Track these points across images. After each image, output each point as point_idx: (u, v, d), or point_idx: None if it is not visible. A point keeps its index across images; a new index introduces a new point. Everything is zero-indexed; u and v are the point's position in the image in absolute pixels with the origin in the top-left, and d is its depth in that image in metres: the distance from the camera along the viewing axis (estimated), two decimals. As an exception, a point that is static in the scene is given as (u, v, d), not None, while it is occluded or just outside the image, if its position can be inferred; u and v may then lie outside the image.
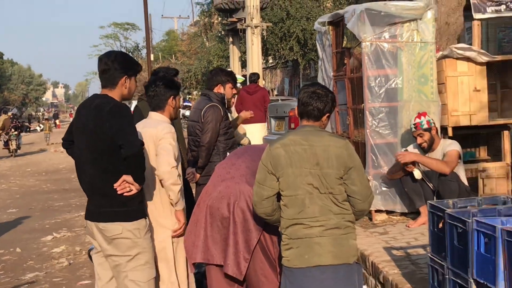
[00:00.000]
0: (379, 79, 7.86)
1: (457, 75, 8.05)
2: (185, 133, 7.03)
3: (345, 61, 8.62)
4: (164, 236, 4.88)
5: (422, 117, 7.33)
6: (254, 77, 14.21)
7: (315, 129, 4.12)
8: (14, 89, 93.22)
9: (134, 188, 4.34)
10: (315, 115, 4.15)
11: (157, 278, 4.70)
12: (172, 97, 5.14)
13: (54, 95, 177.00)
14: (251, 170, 4.58)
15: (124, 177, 4.31)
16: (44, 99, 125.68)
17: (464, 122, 8.05)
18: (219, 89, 6.68)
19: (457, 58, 8.03)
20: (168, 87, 5.15)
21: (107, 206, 4.38)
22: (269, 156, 4.10)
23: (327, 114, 4.22)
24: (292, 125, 11.20)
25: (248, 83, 14.55)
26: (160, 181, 4.77)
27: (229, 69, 7.89)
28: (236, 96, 7.43)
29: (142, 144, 4.29)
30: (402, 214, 8.03)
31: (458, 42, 9.70)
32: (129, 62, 4.54)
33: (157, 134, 4.81)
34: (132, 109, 6.55)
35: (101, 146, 4.30)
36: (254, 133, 12.58)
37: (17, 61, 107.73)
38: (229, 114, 7.00)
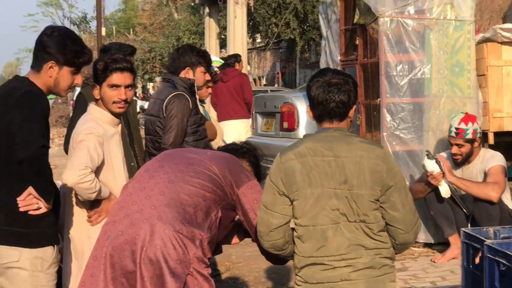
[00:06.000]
0: (400, 66, 7.86)
1: (502, 64, 8.07)
2: (142, 132, 6.93)
3: (357, 42, 8.60)
4: None
5: (470, 124, 7.31)
6: (231, 59, 14.02)
7: (341, 133, 3.98)
8: None
9: (43, 206, 4.29)
10: (340, 113, 3.99)
11: None
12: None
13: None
14: (167, 197, 4.22)
15: (30, 189, 4.27)
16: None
17: (511, 126, 8.03)
18: (187, 74, 6.57)
19: (503, 43, 8.04)
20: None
21: (5, 223, 4.32)
22: (279, 171, 3.97)
23: (354, 107, 4.08)
24: (285, 124, 11.13)
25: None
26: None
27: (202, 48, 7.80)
28: (213, 83, 7.33)
29: (45, 146, 4.21)
30: (427, 245, 8.03)
31: (504, 22, 9.67)
32: (64, 46, 4.45)
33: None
34: (74, 97, 6.47)
35: (5, 143, 4.27)
36: (234, 133, 12.46)
37: None
38: (201, 107, 6.90)
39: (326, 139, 3.93)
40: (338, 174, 3.85)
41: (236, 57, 14.14)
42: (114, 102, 4.79)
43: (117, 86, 4.77)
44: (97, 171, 4.63)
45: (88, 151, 4.55)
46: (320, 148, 3.90)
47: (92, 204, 4.63)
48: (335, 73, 4.08)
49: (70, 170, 4.46)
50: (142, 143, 6.79)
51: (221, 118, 13.51)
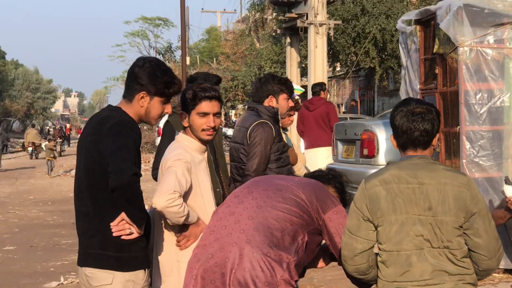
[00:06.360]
0: (480, 94, 7.80)
1: None
2: (227, 158, 6.98)
3: (436, 71, 8.55)
4: None
5: None
6: (316, 88, 14.06)
7: (425, 161, 3.99)
8: (18, 97, 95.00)
9: (135, 231, 4.37)
10: (424, 141, 4.02)
11: None
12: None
13: (65, 106, 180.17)
14: (255, 222, 4.29)
15: (123, 215, 4.34)
16: (53, 110, 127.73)
17: None
18: (270, 102, 6.61)
19: None
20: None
21: (99, 247, 4.41)
22: (364, 197, 4.00)
23: (437, 136, 4.11)
24: (365, 151, 11.10)
25: (310, 96, 14.42)
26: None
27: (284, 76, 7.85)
28: (294, 111, 7.35)
29: (137, 174, 4.26)
30: (507, 270, 7.92)
31: None
32: (155, 78, 4.53)
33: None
34: (160, 124, 6.56)
35: (98, 170, 4.35)
36: (316, 160, 12.45)
37: (23, 62, 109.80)
38: (284, 135, 6.91)
39: (410, 167, 3.95)
40: (422, 201, 3.86)
41: (321, 86, 14.14)
42: (203, 130, 4.83)
43: (206, 114, 4.82)
44: (186, 196, 4.67)
45: (176, 176, 4.60)
46: (405, 176, 3.92)
47: (181, 229, 4.68)
48: (418, 102, 4.10)
49: (159, 195, 4.51)
50: (227, 170, 6.83)
51: (308, 145, 13.56)
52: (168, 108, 4.68)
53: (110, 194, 4.24)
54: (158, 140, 33.48)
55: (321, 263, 4.85)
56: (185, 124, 4.90)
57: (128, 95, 4.57)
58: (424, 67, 8.98)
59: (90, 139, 4.44)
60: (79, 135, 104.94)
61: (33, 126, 53.60)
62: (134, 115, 4.53)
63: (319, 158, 12.52)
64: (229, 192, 6.37)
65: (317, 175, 4.96)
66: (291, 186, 4.47)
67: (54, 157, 32.19)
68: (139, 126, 4.63)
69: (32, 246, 13.07)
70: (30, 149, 44.11)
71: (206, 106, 4.82)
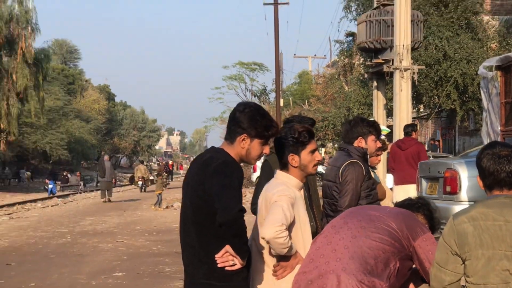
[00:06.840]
0: (558, 136, 7.64)
1: None
2: (320, 193, 7.02)
3: (517, 114, 8.46)
4: None
5: None
6: (408, 129, 14.07)
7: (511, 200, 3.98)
8: (125, 135, 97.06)
9: (238, 263, 4.43)
10: (510, 182, 3.98)
11: None
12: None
13: (168, 143, 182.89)
14: (351, 251, 4.39)
15: (227, 247, 4.40)
16: (157, 147, 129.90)
17: None
18: (359, 143, 6.65)
19: None
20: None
21: (204, 277, 4.48)
22: (453, 232, 3.98)
23: None
24: (448, 188, 10.99)
25: (396, 136, 14.37)
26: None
27: (371, 119, 7.87)
28: (382, 151, 7.37)
29: (242, 210, 4.32)
30: None
31: None
32: (255, 121, 4.62)
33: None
34: (260, 164, 6.65)
35: (204, 207, 4.44)
36: (407, 195, 12.36)
37: (130, 104, 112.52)
38: (372, 173, 6.93)
39: (497, 205, 3.91)
40: (508, 237, 3.82)
41: (413, 127, 14.18)
42: (314, 165, 5.04)
43: (315, 150, 5.04)
44: (288, 229, 4.71)
45: (283, 210, 4.66)
46: (492, 213, 3.88)
47: (279, 259, 4.74)
48: (503, 146, 4.09)
49: (268, 226, 4.57)
50: (320, 205, 6.88)
51: (398, 182, 13.53)
52: (267, 149, 4.78)
53: (215, 229, 4.34)
54: (253, 176, 33.64)
55: (411, 286, 4.89)
56: (295, 164, 5.01)
57: (230, 138, 4.66)
58: (504, 110, 8.90)
59: (196, 178, 4.54)
60: (180, 170, 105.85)
61: (142, 162, 54.87)
62: (236, 155, 4.62)
63: (410, 193, 12.43)
64: (322, 226, 6.44)
65: (407, 204, 5.05)
66: (383, 216, 4.55)
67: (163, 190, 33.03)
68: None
69: (139, 273, 13.25)
70: (140, 183, 45.21)
71: (313, 144, 5.07)
